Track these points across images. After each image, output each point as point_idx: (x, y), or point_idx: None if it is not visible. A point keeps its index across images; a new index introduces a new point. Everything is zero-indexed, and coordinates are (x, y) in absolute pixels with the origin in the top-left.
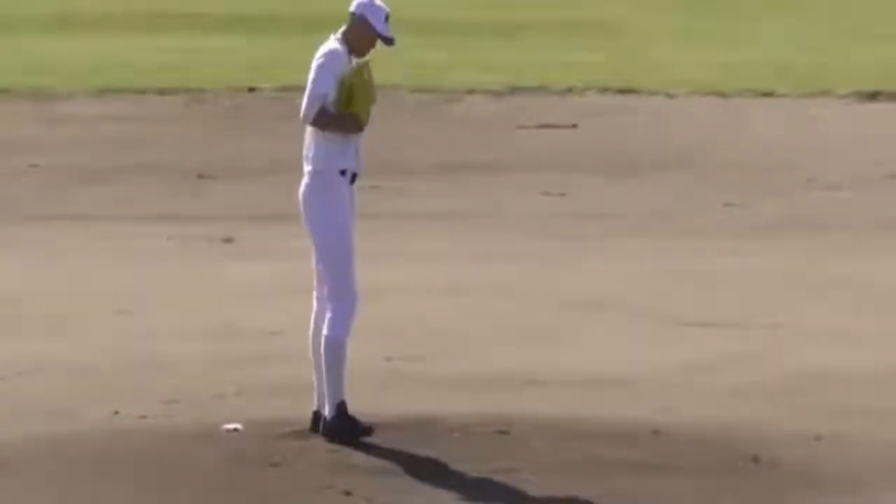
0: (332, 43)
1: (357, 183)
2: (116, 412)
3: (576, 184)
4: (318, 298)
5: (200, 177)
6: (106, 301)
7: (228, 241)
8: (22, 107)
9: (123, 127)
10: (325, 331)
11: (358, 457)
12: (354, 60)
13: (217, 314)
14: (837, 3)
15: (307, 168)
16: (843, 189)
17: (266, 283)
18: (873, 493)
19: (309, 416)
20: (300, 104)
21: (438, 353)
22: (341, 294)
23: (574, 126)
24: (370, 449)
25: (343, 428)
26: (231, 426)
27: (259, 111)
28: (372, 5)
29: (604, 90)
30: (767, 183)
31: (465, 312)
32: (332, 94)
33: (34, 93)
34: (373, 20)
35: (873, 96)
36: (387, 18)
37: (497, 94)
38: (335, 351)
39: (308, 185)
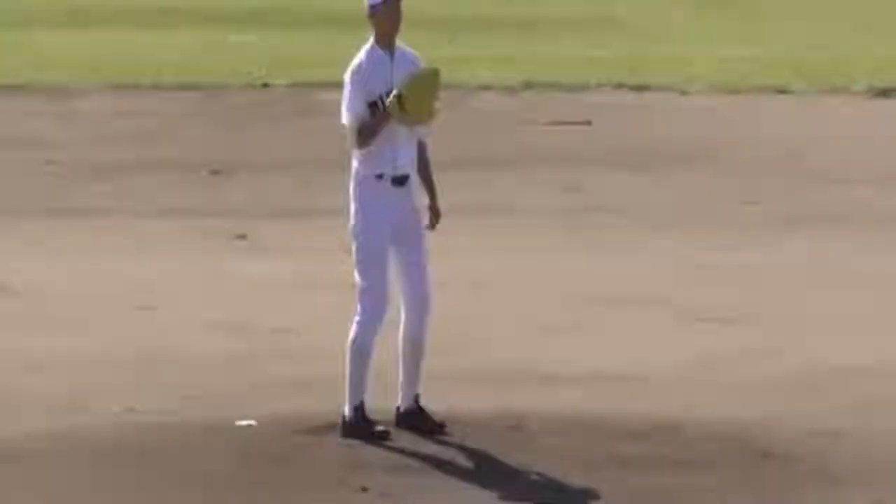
0: (362, 52)
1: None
2: (131, 407)
3: (590, 179)
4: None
5: (214, 172)
6: (120, 296)
7: (242, 237)
8: (38, 103)
9: (138, 122)
10: (349, 333)
11: (373, 453)
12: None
13: (232, 310)
14: (848, 1)
15: (353, 164)
16: (859, 184)
17: (280, 280)
18: (888, 489)
19: (321, 410)
20: (316, 100)
21: (452, 348)
22: (367, 297)
23: (588, 122)
24: (385, 445)
25: (359, 430)
26: (245, 422)
27: (274, 107)
28: None
29: (618, 86)
30: (782, 178)
31: (480, 308)
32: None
33: (50, 89)
34: (374, 2)
35: (887, 92)
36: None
37: (512, 90)
38: (356, 354)
39: (350, 185)
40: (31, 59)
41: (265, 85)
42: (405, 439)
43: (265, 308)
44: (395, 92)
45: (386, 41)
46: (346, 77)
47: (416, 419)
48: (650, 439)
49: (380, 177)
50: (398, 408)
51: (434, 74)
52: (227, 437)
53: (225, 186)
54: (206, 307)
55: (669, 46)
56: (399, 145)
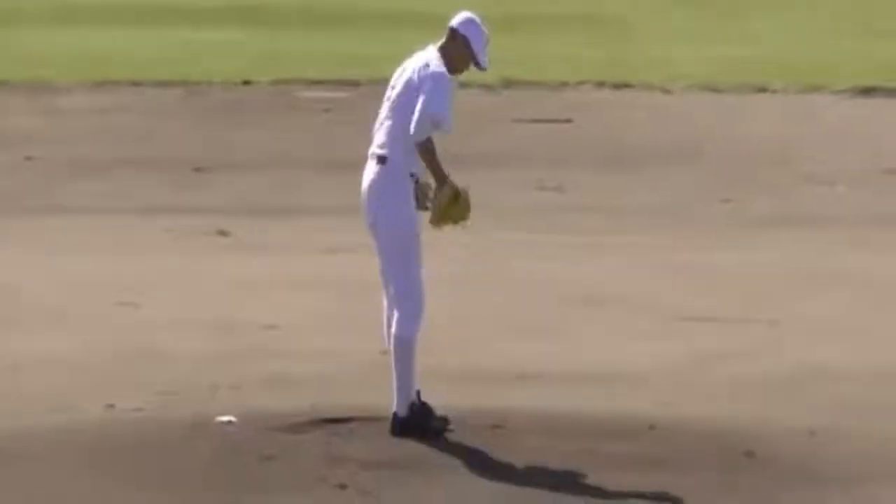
0: (436, 58)
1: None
2: (111, 405)
3: (571, 178)
4: (387, 296)
5: (197, 170)
6: (102, 294)
7: (224, 234)
8: (18, 99)
9: (120, 119)
10: (394, 329)
11: (353, 450)
12: None
13: (213, 307)
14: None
15: (380, 158)
16: (840, 184)
17: (262, 277)
18: (870, 489)
19: (305, 407)
20: (298, 98)
21: (434, 347)
22: (409, 291)
23: (569, 120)
24: (366, 442)
25: (418, 424)
26: (225, 418)
27: (255, 104)
28: (476, 29)
29: (599, 85)
30: (764, 178)
31: (460, 306)
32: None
33: (31, 85)
34: (475, 46)
35: (870, 91)
36: (486, 43)
37: (492, 87)
38: (405, 350)
39: (376, 180)
40: (13, 55)
41: (247, 82)
42: (386, 436)
43: (246, 305)
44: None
45: (450, 69)
46: (440, 74)
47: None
48: (630, 439)
49: (412, 175)
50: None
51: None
52: (207, 434)
53: (207, 184)
54: (187, 304)
55: (651, 44)
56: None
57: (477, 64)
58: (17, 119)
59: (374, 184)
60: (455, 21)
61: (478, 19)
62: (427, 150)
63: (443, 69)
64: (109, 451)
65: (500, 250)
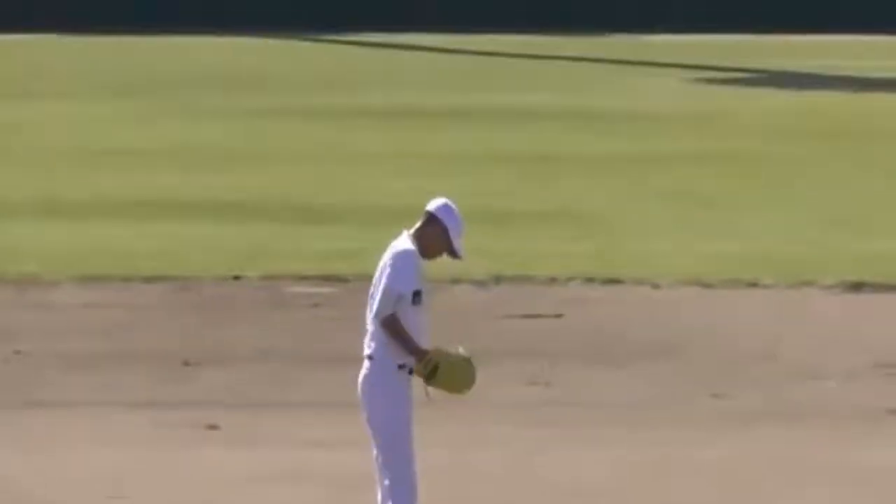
0: (406, 241)
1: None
2: None
3: (561, 373)
4: (380, 489)
5: (186, 364)
6: (90, 488)
7: (214, 427)
8: (6, 294)
9: (108, 314)
10: None
11: None
12: None
13: (203, 502)
14: (817, 195)
15: (367, 352)
16: (830, 379)
17: (252, 471)
18: None
19: None
20: (287, 293)
21: None
22: (401, 490)
23: (560, 315)
24: None
25: None
26: None
27: (245, 299)
28: (454, 217)
29: (589, 280)
30: (753, 373)
31: (449, 499)
32: (406, 295)
33: (18, 280)
34: (452, 234)
35: (858, 287)
36: (461, 233)
37: (482, 283)
38: None
39: (368, 376)
40: (2, 249)
41: (237, 277)
42: None
43: (236, 500)
44: (432, 363)
45: (424, 253)
46: (397, 255)
47: None
48: None
49: (401, 366)
50: None
51: (467, 362)
52: None
53: (196, 378)
54: (177, 499)
55: (639, 240)
56: (424, 337)
57: (452, 252)
58: (5, 314)
59: (365, 380)
60: (432, 206)
61: (455, 207)
62: (390, 327)
63: (406, 247)
64: None
65: (487, 444)
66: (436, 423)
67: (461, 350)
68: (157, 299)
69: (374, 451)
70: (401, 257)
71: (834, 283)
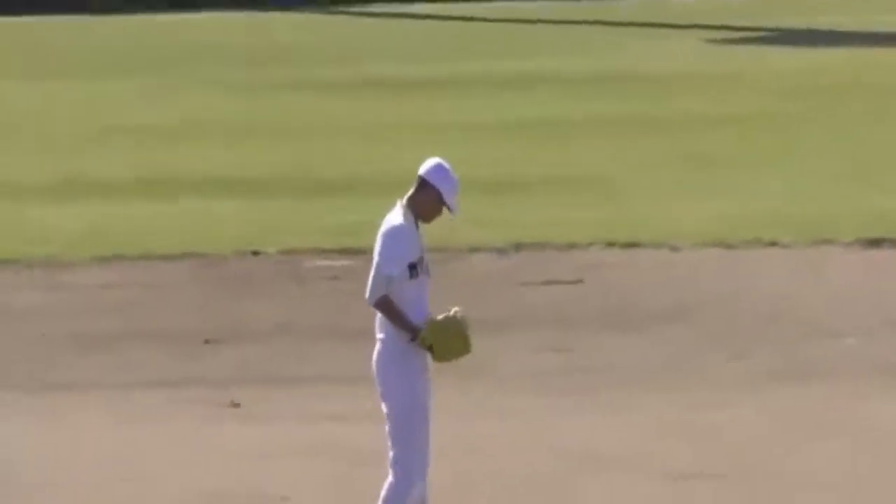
0: (398, 215)
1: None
2: None
3: (581, 339)
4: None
5: (207, 341)
6: (111, 468)
7: (235, 405)
8: (27, 276)
9: (127, 293)
10: (382, 494)
11: None
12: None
13: (225, 479)
14: (834, 153)
15: (379, 336)
16: (847, 336)
17: (275, 447)
18: None
19: None
20: (306, 268)
21: None
22: (403, 467)
23: (579, 281)
24: None
25: None
26: None
27: (265, 275)
28: (446, 177)
29: (608, 245)
30: (771, 333)
31: (466, 468)
32: (399, 275)
33: (39, 262)
34: (446, 196)
35: (877, 243)
36: (456, 190)
37: (501, 251)
38: None
39: (381, 354)
40: (21, 232)
41: (255, 253)
42: None
43: (258, 476)
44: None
45: (421, 217)
46: (386, 232)
47: None
48: None
49: (413, 340)
50: None
51: (458, 324)
52: None
53: (217, 355)
54: (200, 476)
55: (658, 203)
56: (426, 307)
57: (450, 210)
58: (26, 295)
59: (378, 359)
60: (423, 169)
61: (447, 165)
62: (383, 309)
63: (394, 223)
64: None
65: (507, 412)
66: (453, 391)
67: (455, 312)
68: (176, 277)
69: (387, 427)
70: (389, 236)
71: (852, 240)
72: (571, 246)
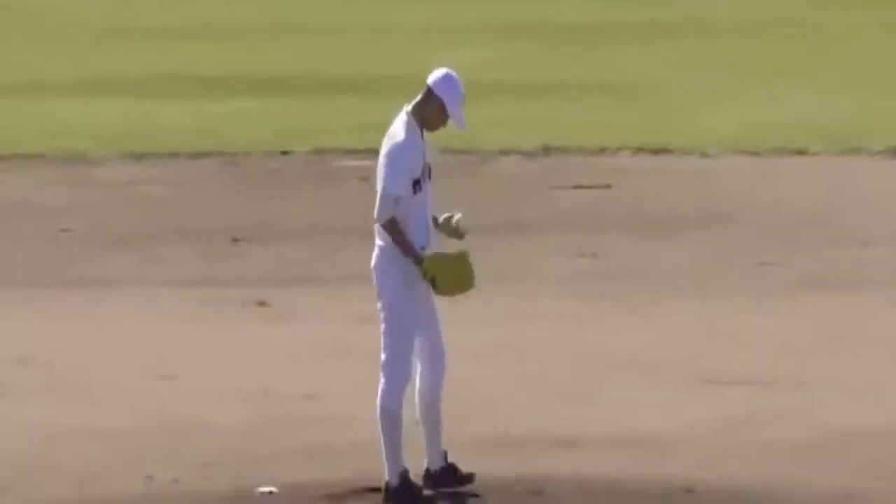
0: (400, 129)
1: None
2: (150, 476)
3: (609, 244)
4: (414, 365)
5: (235, 240)
6: (140, 365)
7: (263, 304)
8: (55, 171)
9: (156, 191)
10: (378, 400)
11: None
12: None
13: (252, 378)
14: (868, 60)
15: (378, 242)
16: (875, 245)
17: (301, 347)
18: None
19: (346, 476)
20: (334, 167)
21: (471, 413)
22: (396, 366)
23: (608, 186)
24: None
25: (406, 496)
26: (266, 489)
27: (293, 174)
28: (452, 88)
29: (638, 150)
30: (802, 241)
31: (499, 372)
32: (404, 196)
33: (67, 157)
34: (450, 107)
35: None
36: (462, 102)
37: (531, 154)
38: (387, 421)
39: (380, 259)
40: (48, 128)
41: (284, 152)
42: None
43: (285, 375)
44: (429, 273)
45: (426, 126)
46: (391, 151)
47: (448, 476)
48: (670, 502)
49: (421, 249)
50: (428, 469)
51: (462, 261)
52: None
53: (245, 254)
54: (226, 375)
55: (689, 109)
56: (430, 221)
57: (455, 123)
58: (52, 191)
59: (376, 268)
60: (431, 79)
61: (455, 75)
62: (390, 230)
63: (398, 139)
64: None
65: (538, 316)
66: (483, 296)
67: (457, 220)
68: (205, 175)
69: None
70: (393, 156)
71: (882, 149)
72: (601, 150)
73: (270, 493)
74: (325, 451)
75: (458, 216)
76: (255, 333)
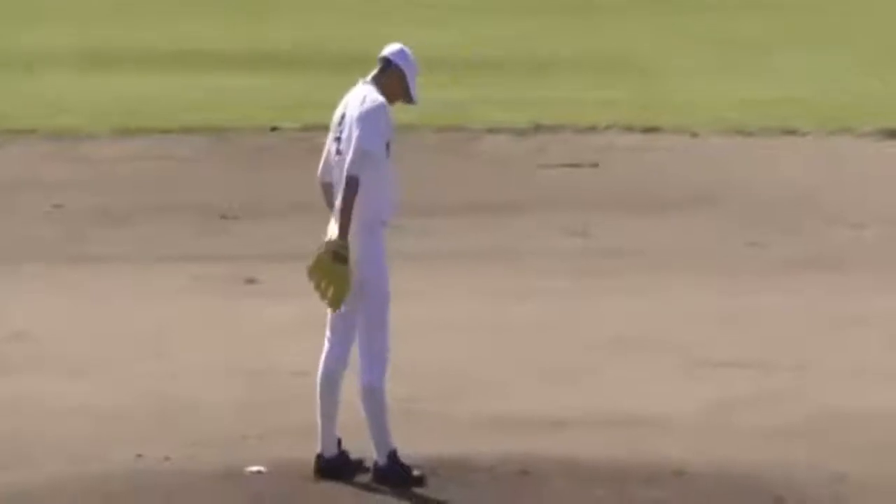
0: (373, 92)
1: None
2: (140, 455)
3: (598, 222)
4: (330, 340)
5: (224, 217)
6: (129, 342)
7: (251, 281)
8: (45, 147)
9: (146, 167)
10: (361, 381)
11: (381, 499)
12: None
13: (241, 355)
14: (858, 41)
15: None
16: (865, 227)
17: (289, 324)
18: None
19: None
20: (324, 142)
21: (460, 393)
22: (377, 342)
23: (596, 165)
24: (392, 491)
25: (396, 474)
26: (254, 468)
27: (283, 150)
28: (409, 61)
29: (626, 129)
30: (790, 221)
31: (488, 352)
32: (377, 153)
33: (57, 133)
34: (409, 78)
35: (895, 134)
36: (416, 76)
37: (519, 132)
38: (374, 399)
39: (359, 233)
40: (40, 103)
41: (275, 128)
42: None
43: (275, 353)
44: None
45: (391, 100)
46: (371, 109)
47: (341, 464)
48: (660, 484)
49: (383, 223)
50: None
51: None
52: (236, 484)
53: (235, 230)
54: (216, 352)
55: (679, 88)
56: (396, 186)
57: (409, 98)
58: (44, 167)
59: (351, 239)
60: (388, 52)
61: (409, 51)
62: (352, 190)
63: (379, 99)
64: (139, 501)
65: (528, 295)
66: (476, 274)
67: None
68: (195, 151)
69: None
70: (374, 112)
71: (873, 129)
72: (590, 128)
73: (260, 472)
74: (313, 430)
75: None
76: (244, 310)
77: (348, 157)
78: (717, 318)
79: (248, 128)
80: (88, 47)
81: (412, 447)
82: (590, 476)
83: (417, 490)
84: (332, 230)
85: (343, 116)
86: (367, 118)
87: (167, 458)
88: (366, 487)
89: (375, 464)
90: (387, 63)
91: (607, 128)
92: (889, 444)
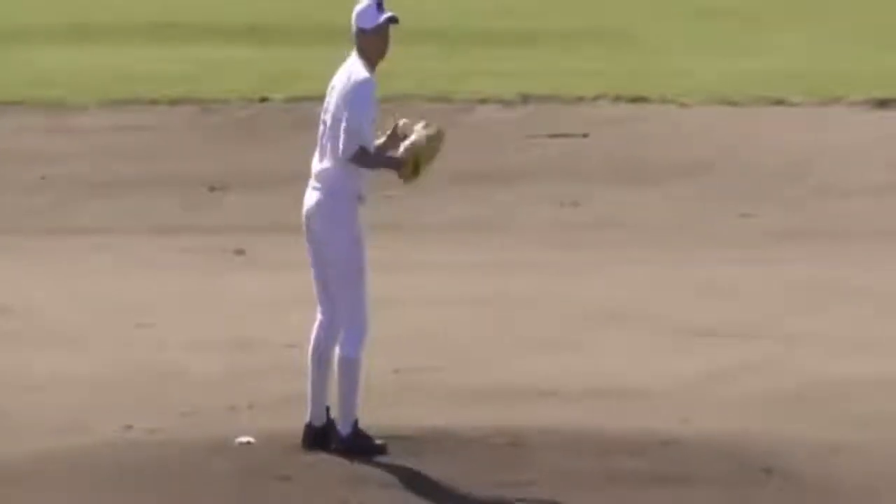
0: (358, 66)
1: (369, 193)
2: (129, 426)
3: (588, 193)
4: (322, 312)
5: (212, 188)
6: (118, 314)
7: (240, 252)
8: (33, 119)
9: (135, 138)
10: (339, 350)
11: (370, 470)
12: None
13: (230, 326)
14: (848, 11)
15: (320, 186)
16: (858, 196)
17: (279, 295)
18: (890, 503)
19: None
20: (314, 114)
21: (450, 364)
22: (355, 314)
23: (586, 135)
24: (382, 462)
25: (359, 445)
26: (244, 439)
27: (271, 122)
28: (360, 13)
29: (616, 99)
30: (781, 191)
31: (478, 323)
32: (367, 127)
33: (45, 104)
34: (368, 24)
35: (886, 103)
36: (379, 6)
37: (509, 103)
38: (350, 370)
39: (323, 204)
40: (28, 74)
41: (263, 100)
42: (407, 456)
43: (264, 324)
44: (410, 158)
45: (373, 62)
46: (359, 86)
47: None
48: (649, 455)
49: (360, 198)
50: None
51: (440, 138)
52: (226, 455)
53: (223, 202)
54: (205, 324)
55: (667, 58)
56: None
57: (385, 23)
58: (31, 138)
59: (318, 213)
60: (359, 21)
61: (359, 6)
62: (362, 160)
63: (363, 75)
64: (126, 473)
65: (517, 266)
66: (466, 246)
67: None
68: (184, 123)
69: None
70: (361, 89)
71: (862, 99)
72: (578, 99)
73: (248, 443)
74: (302, 401)
75: (401, 123)
76: (233, 282)
77: (340, 142)
78: (707, 289)
79: (236, 99)
80: (75, 18)
81: (400, 418)
82: (579, 447)
83: (407, 461)
84: (309, 198)
85: (332, 88)
86: (353, 98)
87: (155, 430)
88: (358, 457)
89: (338, 433)
90: (357, 31)
91: (596, 98)
92: (877, 413)
